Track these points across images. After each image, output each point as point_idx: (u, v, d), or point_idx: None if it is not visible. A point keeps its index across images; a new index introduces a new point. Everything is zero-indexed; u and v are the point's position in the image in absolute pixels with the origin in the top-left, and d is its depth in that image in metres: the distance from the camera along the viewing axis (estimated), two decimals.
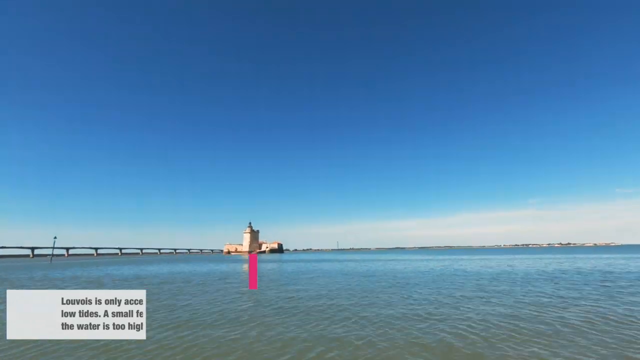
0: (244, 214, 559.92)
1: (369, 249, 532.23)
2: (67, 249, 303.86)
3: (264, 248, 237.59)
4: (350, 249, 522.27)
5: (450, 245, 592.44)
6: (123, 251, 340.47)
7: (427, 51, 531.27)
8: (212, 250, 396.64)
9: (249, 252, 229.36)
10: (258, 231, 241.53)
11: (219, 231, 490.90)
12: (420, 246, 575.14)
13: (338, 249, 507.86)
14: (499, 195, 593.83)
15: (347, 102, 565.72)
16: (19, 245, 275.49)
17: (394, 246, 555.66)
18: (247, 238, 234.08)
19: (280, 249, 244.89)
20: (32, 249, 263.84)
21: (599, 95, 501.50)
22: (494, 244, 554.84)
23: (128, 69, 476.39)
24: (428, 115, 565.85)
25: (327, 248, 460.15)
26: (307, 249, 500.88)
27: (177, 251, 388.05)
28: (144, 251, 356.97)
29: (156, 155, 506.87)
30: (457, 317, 12.07)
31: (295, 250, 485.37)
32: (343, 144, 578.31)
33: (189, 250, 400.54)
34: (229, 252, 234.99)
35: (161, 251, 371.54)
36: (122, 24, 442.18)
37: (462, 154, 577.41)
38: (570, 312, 12.60)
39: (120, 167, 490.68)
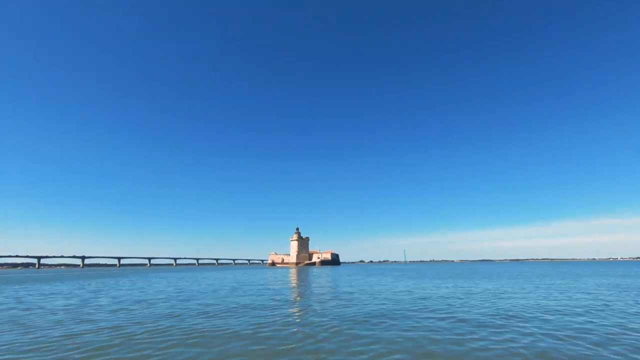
0: (309, 221, 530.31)
1: (452, 260, 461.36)
2: (119, 258, 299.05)
3: (314, 259, 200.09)
4: (431, 260, 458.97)
5: (549, 257, 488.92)
6: (178, 261, 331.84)
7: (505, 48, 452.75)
8: (248, 260, 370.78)
9: (296, 263, 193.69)
10: (308, 238, 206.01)
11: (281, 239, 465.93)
12: (512, 258, 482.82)
13: (419, 262, 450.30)
14: (601, 200, 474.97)
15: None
16: (72, 255, 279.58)
17: (480, 258, 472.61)
18: (294, 247, 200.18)
19: (335, 261, 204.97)
20: (83, 258, 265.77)
21: None
22: (607, 256, 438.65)
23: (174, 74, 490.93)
24: (515, 116, 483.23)
25: (401, 260, 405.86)
26: (384, 261, 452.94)
27: (236, 261, 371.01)
28: (200, 262, 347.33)
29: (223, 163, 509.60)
30: None
31: (371, 262, 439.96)
32: (414, 151, 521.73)
33: (249, 260, 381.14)
34: (273, 264, 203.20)
35: (219, 261, 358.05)
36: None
37: (556, 156, 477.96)
38: None
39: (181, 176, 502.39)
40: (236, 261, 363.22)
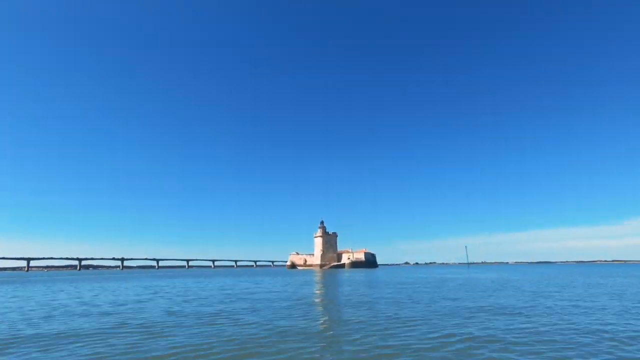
0: (344, 218, 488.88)
1: (507, 262, 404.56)
2: (157, 260, 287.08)
3: (344, 259, 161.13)
4: (482, 262, 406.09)
5: (619, 259, 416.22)
6: (216, 263, 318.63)
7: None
8: (272, 262, 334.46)
9: (321, 265, 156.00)
10: (335, 234, 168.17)
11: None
12: (576, 260, 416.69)
13: (469, 264, 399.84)
14: None
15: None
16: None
17: (537, 260, 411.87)
18: (318, 244, 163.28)
19: (370, 262, 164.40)
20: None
21: None
22: None
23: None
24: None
25: (450, 262, 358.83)
26: (431, 263, 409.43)
27: (264, 263, 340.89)
28: (238, 263, 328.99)
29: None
30: None
31: (417, 264, 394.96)
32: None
33: (272, 262, 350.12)
34: (293, 266, 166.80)
35: (257, 264, 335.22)
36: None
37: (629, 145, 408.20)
38: None
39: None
40: (258, 263, 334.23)
